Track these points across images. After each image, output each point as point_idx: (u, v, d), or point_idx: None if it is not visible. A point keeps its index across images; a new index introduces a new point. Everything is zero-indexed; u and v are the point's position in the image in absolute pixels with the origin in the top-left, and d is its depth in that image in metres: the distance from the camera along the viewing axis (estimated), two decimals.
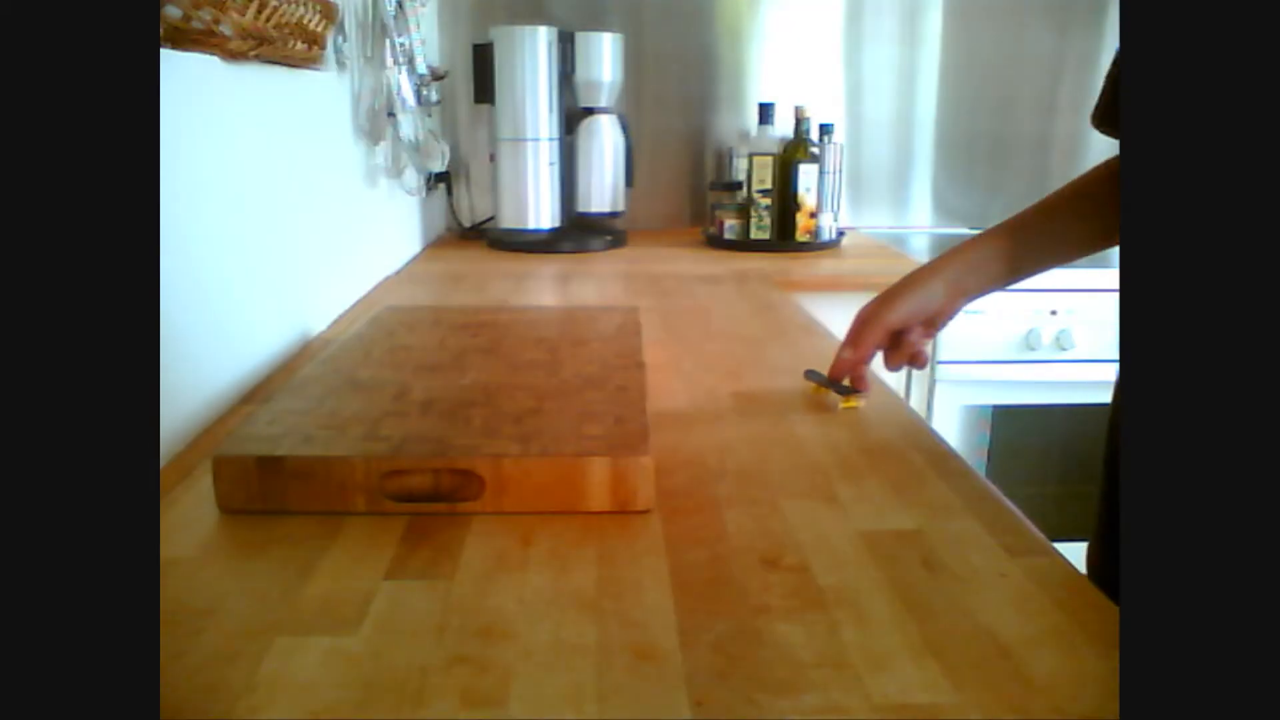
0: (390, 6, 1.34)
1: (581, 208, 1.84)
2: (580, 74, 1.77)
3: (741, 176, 1.86)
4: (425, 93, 1.48)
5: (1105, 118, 0.77)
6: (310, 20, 1.04)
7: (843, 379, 0.85)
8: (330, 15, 1.13)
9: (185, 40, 0.80)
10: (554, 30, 1.72)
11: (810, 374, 0.90)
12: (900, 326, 0.82)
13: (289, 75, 1.06)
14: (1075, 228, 0.82)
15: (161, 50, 0.75)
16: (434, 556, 0.58)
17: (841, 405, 0.84)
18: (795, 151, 1.79)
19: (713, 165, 2.08)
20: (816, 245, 1.80)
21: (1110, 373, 1.75)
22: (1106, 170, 0.81)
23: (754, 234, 1.80)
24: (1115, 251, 0.86)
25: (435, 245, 1.87)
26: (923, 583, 0.55)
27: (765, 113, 1.87)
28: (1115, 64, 0.77)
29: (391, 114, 1.40)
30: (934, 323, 0.83)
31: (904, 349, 0.83)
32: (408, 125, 1.42)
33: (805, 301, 1.37)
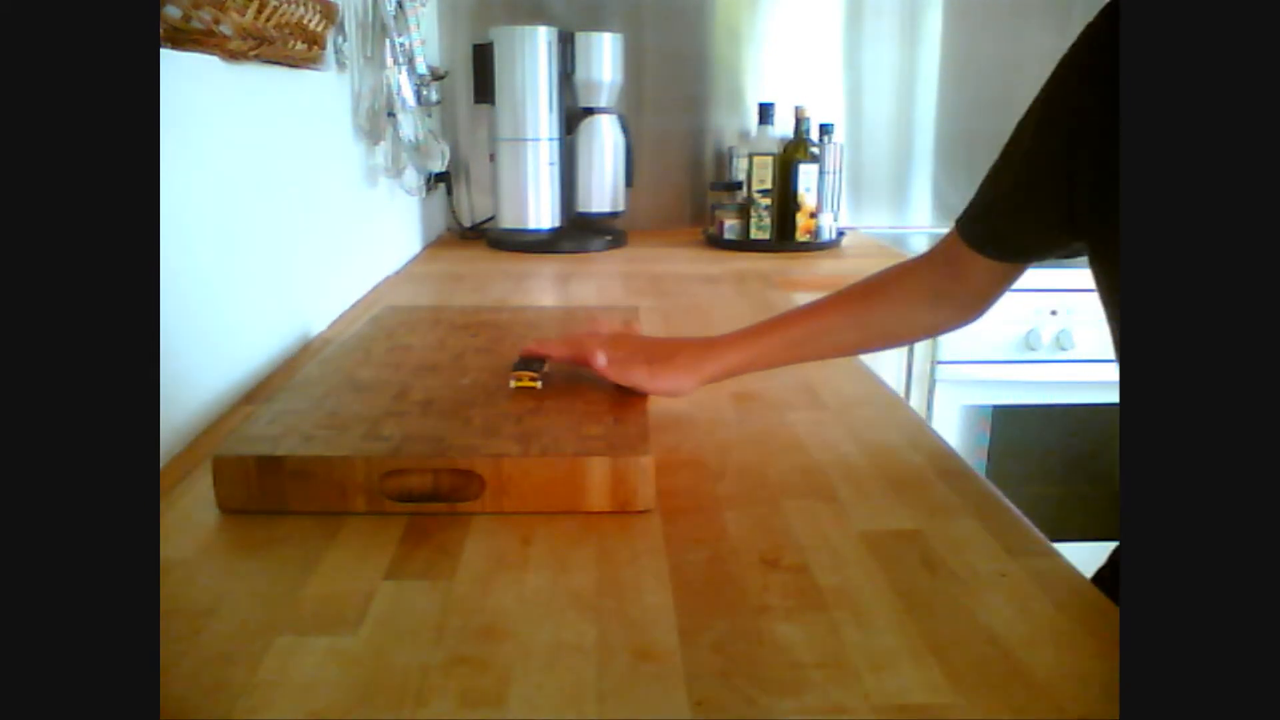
0: (390, 6, 1.34)
1: (581, 208, 1.84)
2: (580, 74, 1.76)
3: (741, 176, 1.86)
4: (425, 93, 1.48)
5: (977, 233, 0.73)
6: (310, 20, 1.04)
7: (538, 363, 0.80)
8: (330, 15, 1.13)
9: (185, 40, 0.80)
10: (554, 30, 1.71)
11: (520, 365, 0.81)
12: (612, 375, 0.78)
13: (289, 75, 1.06)
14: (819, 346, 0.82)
15: (161, 50, 0.75)
16: (434, 556, 0.58)
17: (514, 384, 0.77)
18: (795, 151, 1.79)
19: (713, 165, 2.08)
20: (816, 245, 1.80)
21: (1110, 373, 1.74)
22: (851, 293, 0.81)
23: (754, 234, 1.80)
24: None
25: (435, 245, 1.87)
26: (923, 583, 0.55)
27: (765, 113, 1.87)
28: (996, 182, 0.74)
29: (391, 114, 1.40)
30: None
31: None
32: (408, 125, 1.42)
33: (805, 301, 1.36)
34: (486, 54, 1.73)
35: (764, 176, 1.77)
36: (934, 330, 0.82)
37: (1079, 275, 1.61)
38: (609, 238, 1.83)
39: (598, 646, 0.49)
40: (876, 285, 0.80)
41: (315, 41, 1.08)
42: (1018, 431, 1.72)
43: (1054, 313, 1.62)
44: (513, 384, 0.77)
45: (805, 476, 0.71)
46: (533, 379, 0.77)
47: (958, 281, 0.76)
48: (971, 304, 0.77)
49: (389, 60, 1.37)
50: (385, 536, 0.61)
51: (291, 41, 1.00)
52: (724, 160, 2.05)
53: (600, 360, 0.76)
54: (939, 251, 0.77)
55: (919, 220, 2.13)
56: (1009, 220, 0.72)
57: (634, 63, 1.95)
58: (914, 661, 0.48)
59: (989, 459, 1.71)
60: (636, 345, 0.80)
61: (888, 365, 1.61)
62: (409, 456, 0.63)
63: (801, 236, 1.79)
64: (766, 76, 2.05)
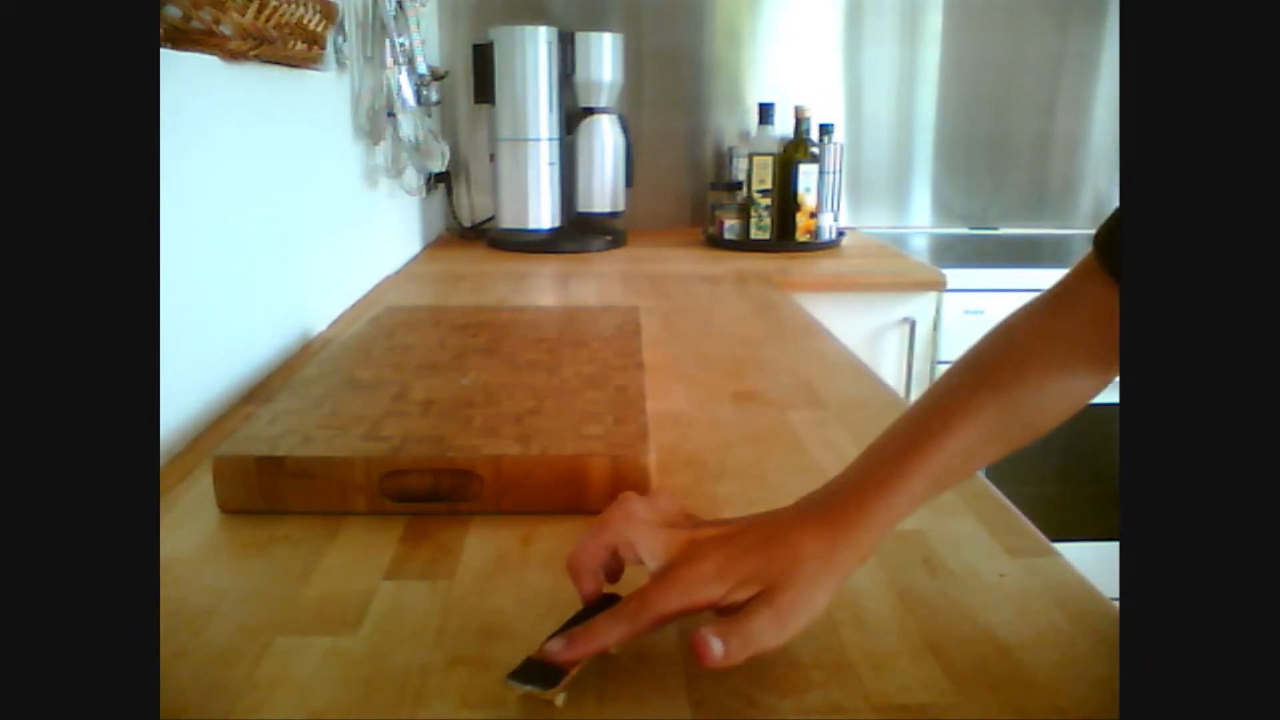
0: (390, 6, 1.34)
1: (582, 208, 1.84)
2: (580, 74, 1.77)
3: (741, 176, 1.86)
4: (425, 93, 1.48)
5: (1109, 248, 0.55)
6: (310, 20, 1.04)
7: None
8: (330, 15, 1.13)
9: (185, 40, 0.80)
10: (554, 30, 1.72)
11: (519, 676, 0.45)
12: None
13: (289, 75, 1.06)
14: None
15: (161, 50, 0.75)
16: (434, 556, 0.58)
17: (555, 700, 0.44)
18: (795, 151, 1.79)
19: (713, 165, 2.08)
20: (816, 245, 1.80)
21: None
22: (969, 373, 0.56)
23: (754, 234, 1.80)
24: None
25: (435, 245, 1.87)
26: (923, 583, 0.55)
27: (765, 113, 1.87)
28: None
29: (391, 114, 1.40)
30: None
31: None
32: (408, 125, 1.42)
33: (805, 301, 1.37)
34: (486, 54, 1.73)
35: (764, 176, 1.77)
36: (1080, 404, 0.56)
37: None
38: (609, 238, 1.83)
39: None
40: (1010, 361, 0.55)
41: (315, 41, 1.08)
42: None
43: None
44: (559, 700, 0.44)
45: (805, 476, 0.71)
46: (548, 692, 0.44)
47: (1096, 331, 0.54)
48: (1110, 360, 0.55)
49: (389, 60, 1.37)
50: (385, 536, 0.61)
51: (291, 41, 1.00)
52: (724, 160, 2.05)
53: (716, 652, 0.43)
54: (1068, 294, 0.57)
55: (919, 220, 2.13)
56: None
57: (634, 63, 1.96)
58: (914, 661, 0.48)
59: None
60: (719, 555, 0.46)
61: (888, 365, 1.61)
62: (409, 457, 0.63)
63: (801, 236, 1.79)
64: (766, 76, 2.05)
